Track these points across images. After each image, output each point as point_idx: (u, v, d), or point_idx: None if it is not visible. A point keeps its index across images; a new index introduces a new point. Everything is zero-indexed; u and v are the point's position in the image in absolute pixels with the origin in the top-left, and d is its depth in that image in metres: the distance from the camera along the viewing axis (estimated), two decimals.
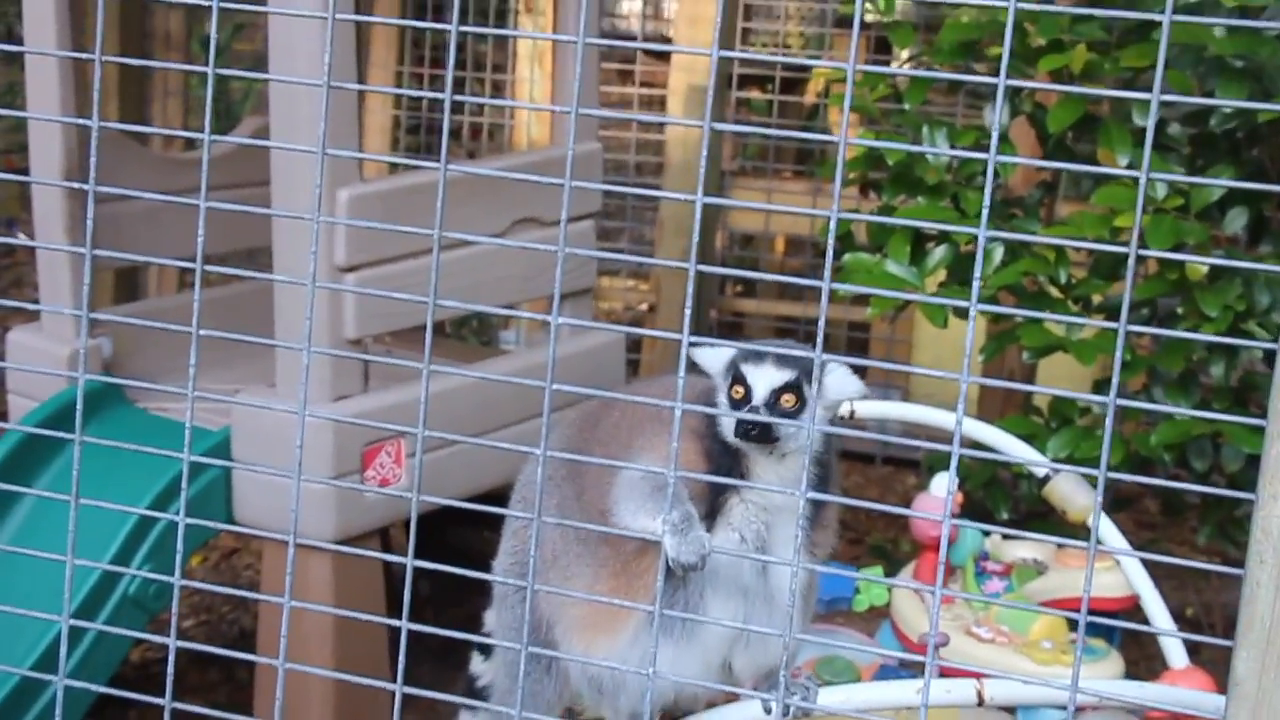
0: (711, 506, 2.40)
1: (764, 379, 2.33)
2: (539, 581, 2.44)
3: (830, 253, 1.82)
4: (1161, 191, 3.43)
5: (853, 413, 3.23)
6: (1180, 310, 3.54)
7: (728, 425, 2.36)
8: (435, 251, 2.04)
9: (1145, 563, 3.28)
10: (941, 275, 3.89)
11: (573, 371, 4.25)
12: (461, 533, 4.47)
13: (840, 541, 2.62)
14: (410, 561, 2.10)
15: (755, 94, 7.62)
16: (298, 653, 3.71)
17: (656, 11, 8.44)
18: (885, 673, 3.13)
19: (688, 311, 1.86)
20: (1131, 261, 1.70)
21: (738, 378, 2.35)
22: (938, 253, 3.76)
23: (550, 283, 4.25)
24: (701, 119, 1.82)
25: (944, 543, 1.81)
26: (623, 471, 2.36)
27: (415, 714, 4.31)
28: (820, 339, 1.88)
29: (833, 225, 1.74)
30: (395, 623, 2.12)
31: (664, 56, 7.74)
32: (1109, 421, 1.74)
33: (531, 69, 7.11)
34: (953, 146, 3.80)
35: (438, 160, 2.05)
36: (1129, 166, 3.49)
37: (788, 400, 2.34)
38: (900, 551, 5.08)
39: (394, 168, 5.47)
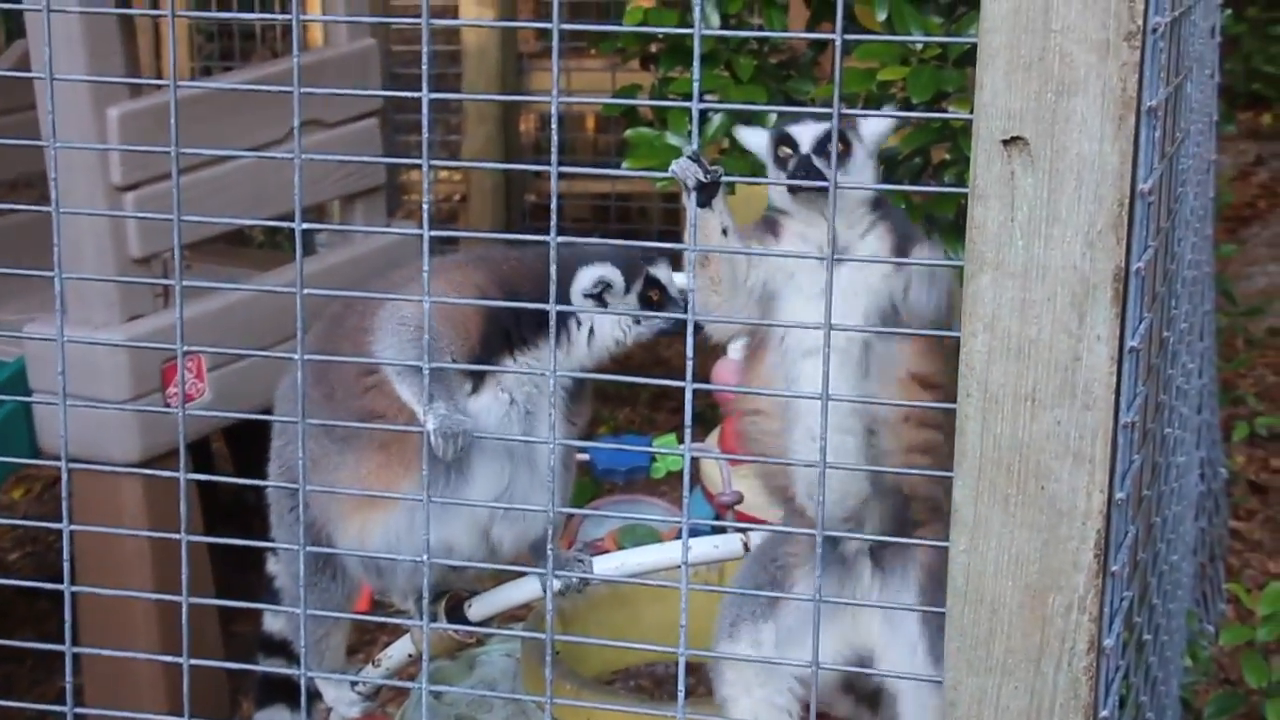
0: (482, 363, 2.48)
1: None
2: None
3: (555, 134, 1.89)
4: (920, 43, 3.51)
5: None
6: (949, 156, 3.64)
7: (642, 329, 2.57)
8: (174, 171, 2.06)
9: None
10: (725, 144, 3.96)
11: (376, 267, 4.28)
12: None
13: (657, 411, 2.74)
14: (182, 475, 2.13)
15: None
16: (118, 575, 3.75)
17: None
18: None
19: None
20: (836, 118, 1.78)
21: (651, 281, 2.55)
22: (716, 120, 3.83)
23: (339, 183, 4.26)
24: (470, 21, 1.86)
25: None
26: (388, 315, 2.41)
27: (247, 622, 4.36)
28: (554, 220, 1.94)
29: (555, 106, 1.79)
30: (175, 536, 2.17)
31: None
32: (829, 279, 1.84)
33: None
34: (724, 15, 3.85)
35: (238, 67, 2.04)
36: (887, 20, 3.57)
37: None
38: (717, 417, 5.20)
39: (192, 71, 5.39)
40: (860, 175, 2.45)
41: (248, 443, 4.55)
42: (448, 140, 7.32)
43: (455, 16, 6.79)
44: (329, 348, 2.58)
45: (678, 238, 6.90)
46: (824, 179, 2.34)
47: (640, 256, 2.56)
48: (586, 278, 2.51)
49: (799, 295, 2.40)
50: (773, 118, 2.95)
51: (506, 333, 2.50)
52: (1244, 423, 5.30)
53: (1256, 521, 4.90)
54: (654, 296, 2.54)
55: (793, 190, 2.41)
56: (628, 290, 2.54)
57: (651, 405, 5.96)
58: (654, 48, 4.12)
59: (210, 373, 3.87)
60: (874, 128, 2.49)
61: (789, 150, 2.44)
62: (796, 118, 2.48)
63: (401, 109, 6.92)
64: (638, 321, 2.53)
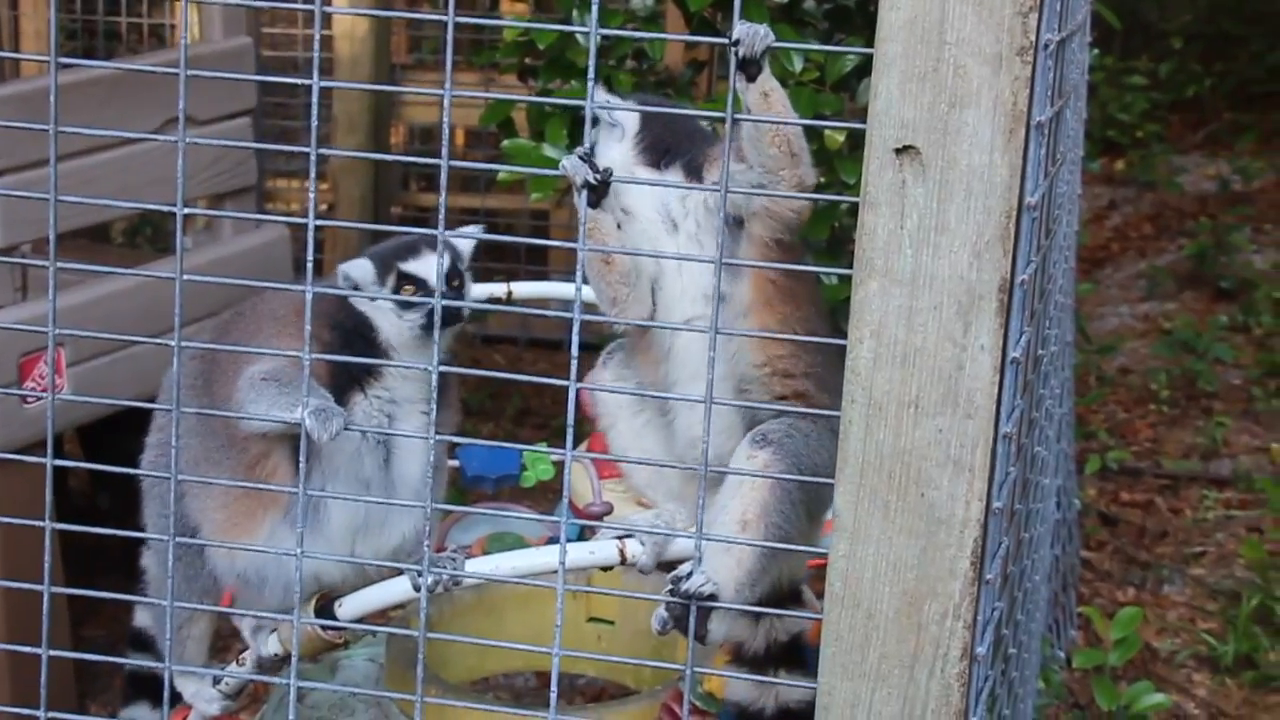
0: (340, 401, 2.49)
1: (432, 269, 2.50)
2: (181, 489, 2.48)
3: (445, 138, 1.88)
4: (799, 64, 3.56)
5: (510, 294, 3.30)
6: (823, 180, 3.68)
7: (393, 323, 2.53)
8: (52, 148, 2.01)
9: None
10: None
11: (242, 269, 4.22)
12: (133, 439, 4.41)
13: (521, 427, 2.74)
14: (49, 462, 2.07)
15: None
16: None
17: None
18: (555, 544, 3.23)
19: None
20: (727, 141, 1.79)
21: (404, 277, 2.52)
22: (593, 133, 3.83)
23: (210, 181, 4.19)
24: (364, 9, 1.84)
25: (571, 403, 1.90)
26: (245, 375, 2.43)
27: (99, 626, 4.27)
28: (441, 218, 1.92)
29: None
30: (38, 523, 2.10)
31: None
32: (717, 283, 1.84)
33: None
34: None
35: (84, 69, 2.00)
36: None
37: (455, 282, 2.57)
38: (585, 431, 5.19)
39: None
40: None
41: (104, 444, 4.45)
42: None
43: (330, 27, 6.72)
44: (214, 358, 2.59)
45: (545, 255, 6.91)
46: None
47: (405, 250, 2.57)
48: (339, 275, 2.56)
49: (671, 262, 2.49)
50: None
51: (350, 372, 2.53)
52: (1096, 456, 5.41)
53: (1106, 552, 5.00)
54: (409, 290, 2.53)
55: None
56: (381, 285, 2.54)
57: (516, 420, 5.94)
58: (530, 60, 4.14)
59: (69, 368, 3.78)
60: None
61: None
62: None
63: (269, 115, 6.84)
64: (399, 316, 2.53)
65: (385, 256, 2.56)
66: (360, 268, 2.56)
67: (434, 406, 1.92)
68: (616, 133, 2.54)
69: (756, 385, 2.44)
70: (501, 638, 3.00)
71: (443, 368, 1.91)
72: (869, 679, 1.81)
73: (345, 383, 2.52)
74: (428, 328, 2.47)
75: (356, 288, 2.54)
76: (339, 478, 2.54)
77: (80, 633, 4.11)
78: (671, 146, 2.53)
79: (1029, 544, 2.53)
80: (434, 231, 1.95)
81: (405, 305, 2.51)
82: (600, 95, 2.62)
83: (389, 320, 2.54)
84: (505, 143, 3.90)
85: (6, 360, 3.62)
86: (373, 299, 2.52)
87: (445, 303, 2.26)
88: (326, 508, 2.55)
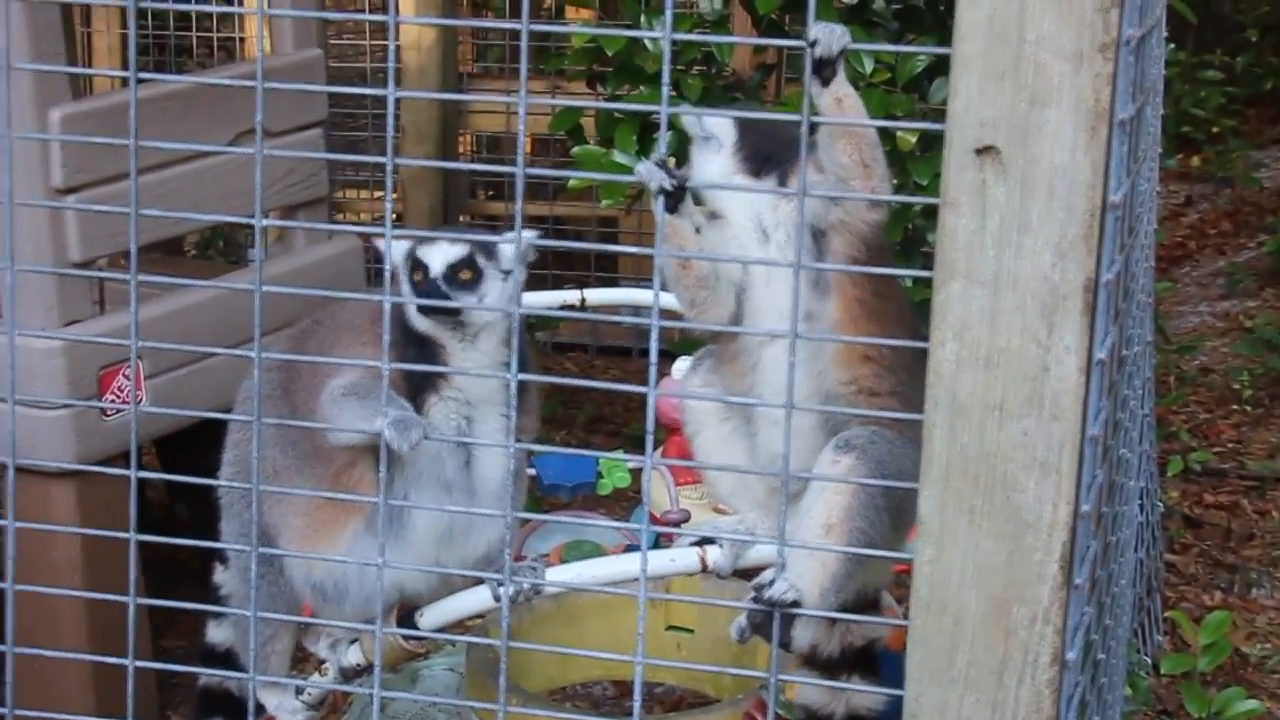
0: (415, 409, 2.51)
1: (439, 256, 2.45)
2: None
3: (521, 144, 1.89)
4: (869, 65, 3.55)
5: (583, 301, 3.30)
6: (895, 181, 3.67)
7: (412, 313, 2.50)
8: (132, 160, 2.03)
9: None
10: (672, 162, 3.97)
11: (316, 280, 4.25)
12: (210, 450, 4.46)
13: (594, 434, 2.75)
14: (134, 474, 2.10)
15: None
16: (47, 581, 3.68)
17: None
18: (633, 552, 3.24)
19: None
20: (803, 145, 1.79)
21: (416, 263, 2.44)
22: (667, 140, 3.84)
23: (282, 193, 4.23)
24: (436, 18, 1.85)
25: (650, 422, 1.90)
26: (327, 389, 2.45)
27: (178, 638, 4.31)
28: (519, 223, 1.92)
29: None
30: (123, 535, 2.13)
31: None
32: (797, 291, 1.84)
33: None
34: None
35: (159, 83, 2.01)
36: None
37: (465, 275, 2.48)
38: (660, 439, 5.20)
39: (123, 84, 5.34)
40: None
41: (181, 456, 4.50)
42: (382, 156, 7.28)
43: (397, 37, 6.76)
44: (292, 367, 2.61)
45: (614, 262, 6.91)
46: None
47: (428, 237, 2.56)
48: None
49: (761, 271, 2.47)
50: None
51: (425, 376, 2.53)
52: (1178, 458, 5.35)
53: (1191, 555, 4.94)
54: (419, 276, 2.50)
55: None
56: (407, 272, 2.53)
57: (588, 428, 5.94)
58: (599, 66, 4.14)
59: (147, 381, 3.82)
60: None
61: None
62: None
63: (337, 126, 6.89)
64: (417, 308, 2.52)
65: (414, 240, 2.55)
66: (397, 249, 2.52)
67: (514, 412, 1.92)
68: (713, 144, 2.53)
69: (842, 403, 2.44)
70: (581, 647, 3.00)
71: (522, 375, 1.92)
72: (957, 685, 1.80)
73: (419, 385, 2.52)
74: (425, 312, 2.48)
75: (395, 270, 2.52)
76: (422, 482, 2.54)
77: (160, 644, 4.15)
78: (771, 155, 2.51)
79: (1115, 548, 2.50)
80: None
81: (415, 289, 2.49)
82: (688, 115, 2.62)
83: (410, 307, 2.52)
84: (575, 149, 3.91)
85: (86, 374, 3.66)
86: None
87: (426, 302, 2.30)
88: (410, 515, 2.55)
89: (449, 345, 2.53)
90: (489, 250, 2.51)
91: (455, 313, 2.48)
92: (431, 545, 2.59)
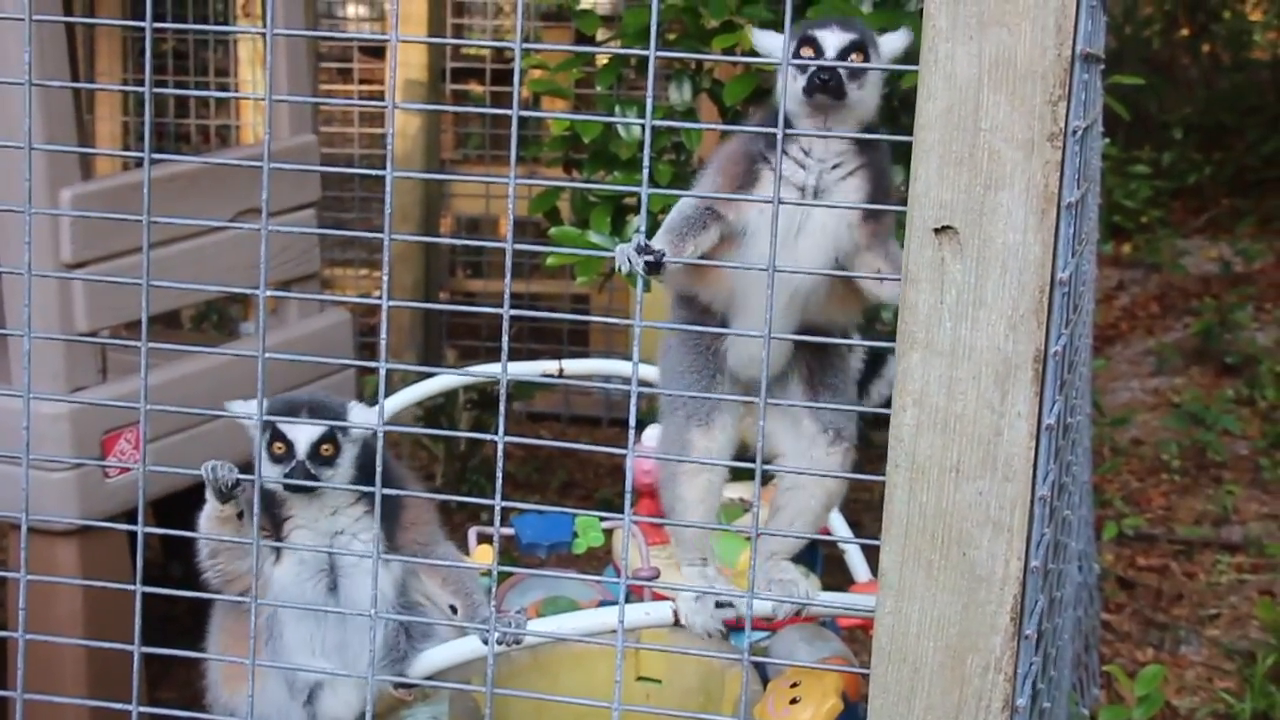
0: (278, 534, 2.59)
1: (304, 435, 2.56)
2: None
3: (511, 221, 1.91)
4: None
5: (561, 370, 3.32)
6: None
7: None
8: (145, 236, 2.05)
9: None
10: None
11: (307, 351, 4.25)
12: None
13: (565, 498, 2.76)
14: (140, 529, 2.09)
15: (472, 86, 7.68)
16: (50, 635, 3.64)
17: (382, 14, 8.41)
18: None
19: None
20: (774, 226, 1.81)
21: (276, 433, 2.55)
22: (635, 221, 3.87)
23: (277, 269, 4.24)
24: (431, 105, 1.87)
25: (628, 478, 1.91)
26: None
27: (172, 689, 4.27)
28: (506, 297, 1.94)
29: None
30: (129, 587, 2.12)
31: (381, 55, 7.72)
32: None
33: (254, 72, 7.03)
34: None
35: (164, 164, 2.04)
36: None
37: (326, 450, 2.55)
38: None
39: (125, 167, 5.35)
40: (872, 94, 2.35)
41: (175, 517, 4.47)
42: (370, 242, 7.31)
43: (382, 125, 6.80)
44: None
45: (585, 337, 6.95)
46: (843, 90, 2.28)
47: (288, 408, 2.61)
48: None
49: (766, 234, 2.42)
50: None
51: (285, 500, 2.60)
52: (1113, 523, 5.39)
53: (1125, 614, 4.96)
54: (277, 450, 2.54)
55: (809, 93, 2.29)
56: (264, 434, 2.54)
57: (561, 492, 5.95)
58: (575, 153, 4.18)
59: (147, 445, 3.81)
60: (893, 44, 2.38)
61: (811, 53, 2.31)
62: (822, 22, 2.35)
63: (325, 208, 6.91)
64: (270, 467, 2.54)
65: (272, 408, 2.57)
66: (249, 414, 2.52)
67: (502, 412, 1.93)
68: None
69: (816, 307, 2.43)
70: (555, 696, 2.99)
71: (512, 375, 1.93)
72: None
73: (280, 516, 2.62)
74: (291, 489, 2.51)
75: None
76: (287, 612, 2.61)
77: (155, 695, 4.11)
78: None
79: (1059, 603, 2.52)
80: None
81: (274, 459, 2.53)
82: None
83: (266, 467, 2.53)
84: (553, 230, 3.94)
85: (90, 437, 3.65)
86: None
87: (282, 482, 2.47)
88: (282, 635, 2.62)
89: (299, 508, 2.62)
90: (340, 418, 2.58)
91: (314, 482, 2.53)
92: (306, 684, 2.62)
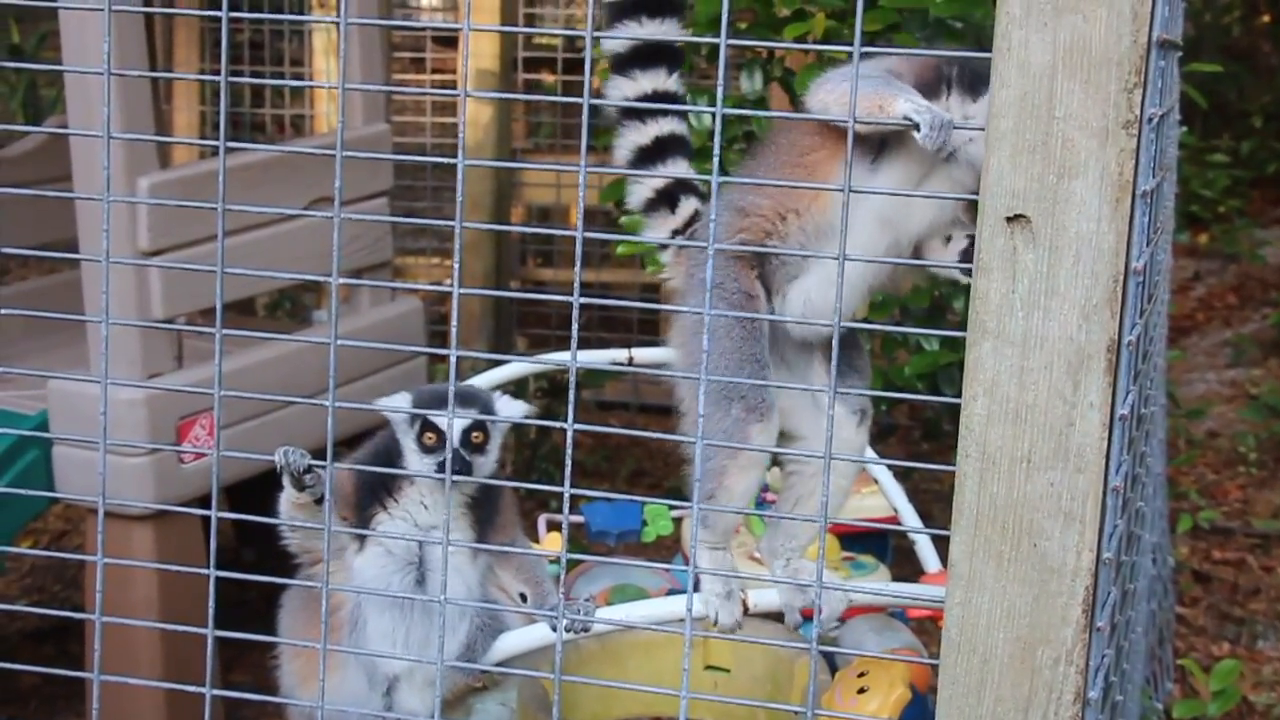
0: (361, 522, 2.61)
1: (456, 424, 2.55)
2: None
3: (581, 210, 1.91)
4: None
5: (631, 358, 3.32)
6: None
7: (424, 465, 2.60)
8: (220, 223, 2.07)
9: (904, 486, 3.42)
10: None
11: (380, 337, 4.29)
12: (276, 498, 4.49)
13: (635, 487, 2.77)
14: (214, 514, 2.12)
15: (544, 75, 7.69)
16: (126, 618, 3.70)
17: (454, 4, 8.44)
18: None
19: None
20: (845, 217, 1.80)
21: (426, 424, 2.57)
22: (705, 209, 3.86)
23: (349, 257, 4.27)
24: (503, 93, 1.88)
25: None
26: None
27: (245, 673, 4.32)
28: (576, 286, 1.95)
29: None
30: (204, 571, 2.15)
31: (454, 44, 7.75)
32: (834, 349, 1.85)
33: (328, 61, 7.08)
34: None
35: (238, 153, 2.06)
36: None
37: (477, 438, 2.59)
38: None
39: (201, 156, 5.42)
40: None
41: (249, 502, 4.52)
42: (441, 231, 7.36)
43: (454, 114, 6.84)
44: None
45: (655, 326, 6.94)
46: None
47: (436, 399, 2.62)
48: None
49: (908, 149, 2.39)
50: None
51: (373, 489, 2.63)
52: (1188, 516, 5.32)
53: (1200, 608, 4.91)
54: (428, 440, 2.57)
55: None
56: (410, 426, 2.59)
57: (630, 481, 5.95)
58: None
59: (221, 430, 3.85)
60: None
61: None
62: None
63: (397, 197, 6.96)
64: (419, 457, 2.59)
65: (419, 400, 2.62)
66: (396, 405, 2.61)
67: (571, 398, 1.93)
68: None
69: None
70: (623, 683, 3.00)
71: (581, 363, 1.93)
72: None
73: (369, 501, 2.63)
74: (443, 472, 2.52)
75: (394, 425, 2.61)
76: (370, 603, 2.66)
77: (228, 678, 4.17)
78: None
79: (1132, 596, 2.50)
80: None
81: (425, 449, 2.57)
82: None
83: (415, 459, 2.59)
84: (624, 218, 3.94)
85: (166, 423, 3.70)
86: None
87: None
88: (365, 630, 2.66)
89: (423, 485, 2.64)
90: (490, 411, 2.64)
91: (470, 472, 2.57)
92: (385, 676, 2.67)
